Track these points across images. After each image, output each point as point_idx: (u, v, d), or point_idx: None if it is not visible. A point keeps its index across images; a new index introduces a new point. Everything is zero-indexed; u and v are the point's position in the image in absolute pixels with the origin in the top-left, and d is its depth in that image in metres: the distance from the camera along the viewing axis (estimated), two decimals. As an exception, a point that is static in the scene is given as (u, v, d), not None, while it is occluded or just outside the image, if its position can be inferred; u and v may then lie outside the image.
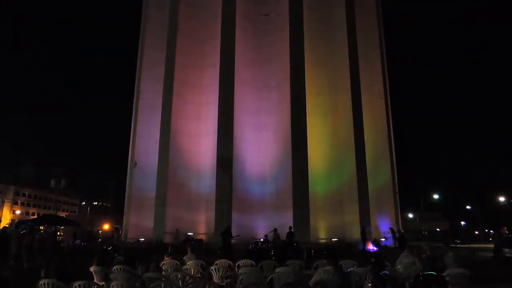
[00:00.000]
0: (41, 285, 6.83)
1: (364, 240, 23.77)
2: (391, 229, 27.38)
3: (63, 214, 76.78)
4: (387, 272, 6.06)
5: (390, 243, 26.62)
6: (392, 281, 6.00)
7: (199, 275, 9.38)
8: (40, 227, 39.16)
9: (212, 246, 22.21)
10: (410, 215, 69.82)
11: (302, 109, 27.27)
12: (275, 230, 21.65)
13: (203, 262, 10.14)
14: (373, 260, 7.68)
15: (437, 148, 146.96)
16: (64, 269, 8.84)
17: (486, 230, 64.48)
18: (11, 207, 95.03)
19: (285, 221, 23.72)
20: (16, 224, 35.59)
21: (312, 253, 18.70)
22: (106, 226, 66.02)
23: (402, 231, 28.37)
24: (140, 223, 29.39)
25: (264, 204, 26.54)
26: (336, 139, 28.44)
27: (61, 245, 29.41)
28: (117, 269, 8.98)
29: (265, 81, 28.92)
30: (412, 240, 30.17)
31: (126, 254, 11.73)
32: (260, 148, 27.94)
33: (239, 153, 27.15)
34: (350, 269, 7.75)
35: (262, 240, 21.81)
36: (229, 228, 21.23)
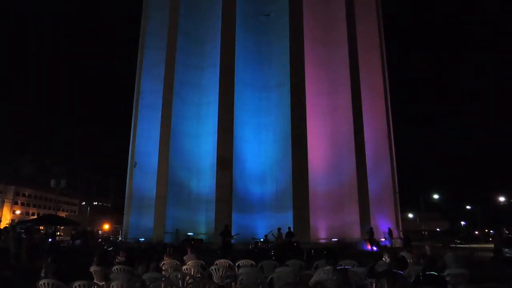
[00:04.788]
0: (41, 285, 6.82)
1: (371, 240, 23.59)
2: (389, 229, 27.38)
3: (63, 214, 76.91)
4: (402, 273, 6.05)
5: (389, 243, 26.60)
6: (405, 282, 5.96)
7: (199, 275, 9.37)
8: (40, 227, 39.15)
9: (212, 246, 22.22)
10: (410, 215, 69.83)
11: (302, 109, 27.28)
12: (279, 229, 21.73)
13: (203, 262, 10.12)
14: (400, 255, 7.63)
15: (437, 148, 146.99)
16: (64, 269, 8.82)
17: (486, 230, 64.45)
18: (11, 207, 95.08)
19: (285, 221, 23.72)
20: (14, 225, 35.56)
21: (312, 253, 18.69)
22: (106, 226, 66.09)
23: (404, 230, 28.33)
24: (140, 223, 29.43)
25: (264, 204, 26.56)
26: (336, 139, 28.44)
27: (61, 245, 29.40)
28: (117, 269, 8.98)
29: (265, 81, 28.94)
30: (412, 240, 30.14)
31: (126, 254, 11.71)
32: (260, 148, 27.97)
33: (239, 153, 27.16)
34: (348, 267, 7.73)
35: (262, 240, 21.85)
36: (227, 228, 21.24)
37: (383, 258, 7.87)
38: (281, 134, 27.57)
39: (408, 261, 8.75)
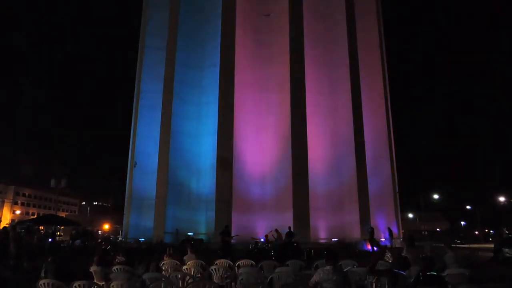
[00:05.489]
0: (41, 285, 6.82)
1: (372, 240, 23.56)
2: (389, 229, 27.39)
3: (63, 214, 76.88)
4: (403, 273, 6.05)
5: (389, 243, 26.59)
6: (405, 282, 5.96)
7: (199, 275, 9.38)
8: (40, 227, 39.15)
9: (212, 246, 22.21)
10: (410, 215, 69.81)
11: (302, 109, 27.27)
12: (276, 230, 21.71)
13: (203, 262, 10.12)
14: (403, 255, 7.64)
15: (437, 148, 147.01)
16: (64, 269, 8.82)
17: (486, 230, 64.50)
18: (11, 207, 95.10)
19: (285, 221, 23.73)
20: (14, 225, 35.67)
21: (312, 253, 18.68)
22: (106, 226, 66.08)
23: (407, 230, 28.33)
24: (140, 223, 29.41)
25: (264, 204, 26.53)
26: (336, 139, 28.45)
27: (61, 245, 29.39)
28: (117, 269, 8.98)
29: (265, 81, 28.89)
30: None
31: (126, 254, 11.71)
32: (260, 148, 27.93)
33: (239, 153, 27.14)
34: (347, 269, 7.74)
35: (262, 240, 21.83)
36: (227, 228, 21.25)
37: (386, 257, 7.89)
38: (281, 134, 27.55)
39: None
